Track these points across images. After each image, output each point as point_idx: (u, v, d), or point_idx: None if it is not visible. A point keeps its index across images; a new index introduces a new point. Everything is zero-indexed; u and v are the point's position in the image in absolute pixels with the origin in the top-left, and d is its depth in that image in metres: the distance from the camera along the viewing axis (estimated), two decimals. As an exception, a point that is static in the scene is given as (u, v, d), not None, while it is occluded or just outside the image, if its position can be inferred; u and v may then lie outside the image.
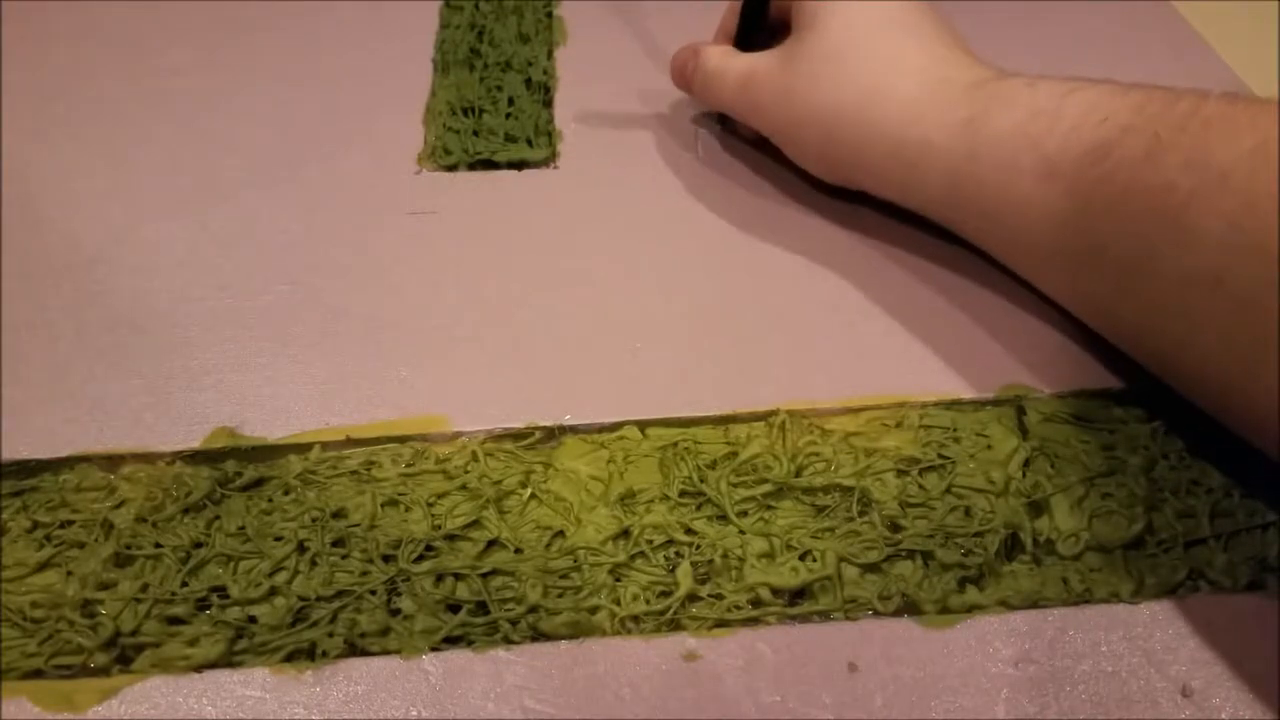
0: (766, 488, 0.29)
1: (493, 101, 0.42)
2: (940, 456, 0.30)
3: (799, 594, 0.28)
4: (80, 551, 0.29)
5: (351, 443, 0.31)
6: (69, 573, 0.28)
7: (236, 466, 0.30)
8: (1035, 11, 0.48)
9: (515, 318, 0.34)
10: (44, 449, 0.30)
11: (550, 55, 0.44)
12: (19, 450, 0.30)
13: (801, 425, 0.31)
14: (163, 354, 0.33)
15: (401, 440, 0.31)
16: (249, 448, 0.31)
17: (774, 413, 0.31)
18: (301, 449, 0.31)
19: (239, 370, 0.33)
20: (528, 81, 0.43)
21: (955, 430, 0.31)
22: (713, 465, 0.30)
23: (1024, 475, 0.30)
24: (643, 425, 0.31)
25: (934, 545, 0.28)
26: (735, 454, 0.30)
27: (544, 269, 0.36)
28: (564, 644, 0.27)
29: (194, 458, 0.31)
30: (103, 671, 0.27)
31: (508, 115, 0.41)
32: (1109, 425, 0.31)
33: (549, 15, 0.45)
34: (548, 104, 0.42)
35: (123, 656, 0.27)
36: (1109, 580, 0.28)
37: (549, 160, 0.40)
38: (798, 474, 0.30)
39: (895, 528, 0.29)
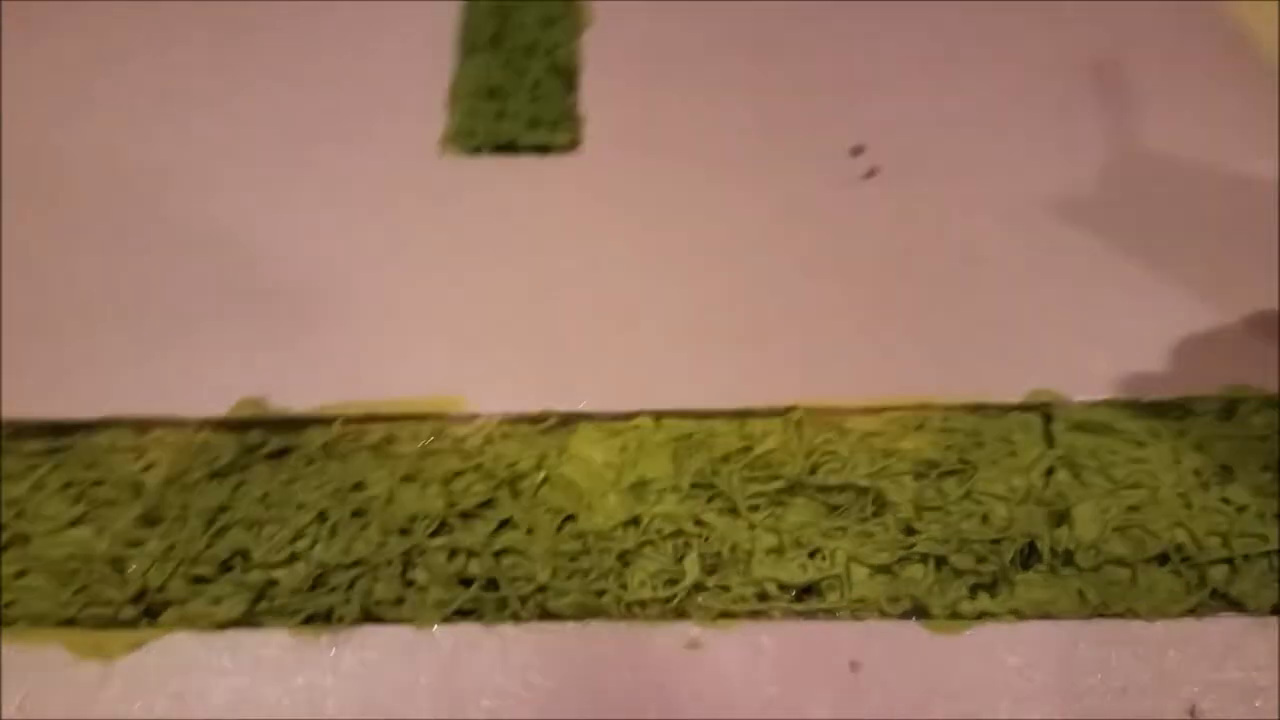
0: (779, 484, 0.29)
1: (517, 86, 0.41)
2: (961, 461, 0.30)
3: (806, 590, 0.28)
4: (111, 509, 0.30)
5: (372, 418, 0.31)
6: (100, 529, 0.29)
7: (261, 436, 0.31)
8: (1085, 11, 0.46)
9: (535, 302, 0.34)
10: (78, 411, 0.32)
11: (575, 39, 0.43)
12: (55, 411, 0.32)
13: (819, 423, 0.31)
14: (193, 326, 0.34)
15: (420, 418, 0.31)
16: (274, 419, 0.31)
17: (792, 409, 0.31)
18: (324, 422, 0.31)
19: (265, 346, 0.33)
20: (552, 66, 0.42)
21: (979, 434, 0.30)
22: (726, 459, 0.30)
23: (1047, 484, 0.29)
24: (658, 415, 0.31)
25: (948, 550, 0.28)
26: (750, 449, 0.30)
27: (565, 255, 0.36)
28: (570, 624, 0.27)
29: (220, 426, 0.32)
30: (130, 624, 0.28)
31: (532, 99, 0.41)
32: (1139, 437, 0.30)
33: (581, -3, 0.45)
34: (572, 88, 0.41)
35: (149, 611, 0.28)
36: (1126, 595, 0.27)
37: (572, 145, 0.39)
38: (812, 472, 0.29)
39: (909, 531, 0.29)
